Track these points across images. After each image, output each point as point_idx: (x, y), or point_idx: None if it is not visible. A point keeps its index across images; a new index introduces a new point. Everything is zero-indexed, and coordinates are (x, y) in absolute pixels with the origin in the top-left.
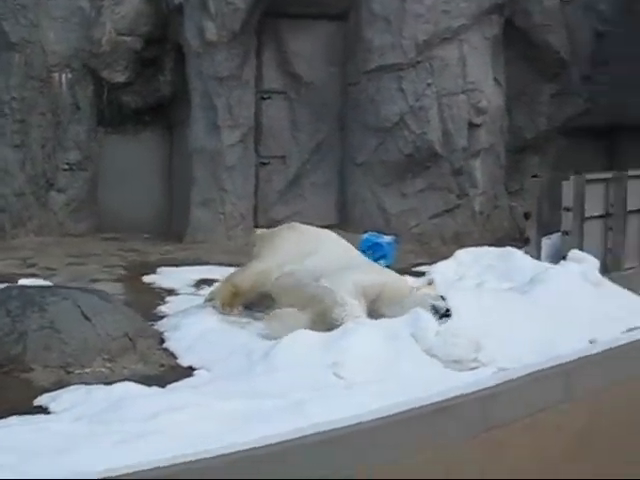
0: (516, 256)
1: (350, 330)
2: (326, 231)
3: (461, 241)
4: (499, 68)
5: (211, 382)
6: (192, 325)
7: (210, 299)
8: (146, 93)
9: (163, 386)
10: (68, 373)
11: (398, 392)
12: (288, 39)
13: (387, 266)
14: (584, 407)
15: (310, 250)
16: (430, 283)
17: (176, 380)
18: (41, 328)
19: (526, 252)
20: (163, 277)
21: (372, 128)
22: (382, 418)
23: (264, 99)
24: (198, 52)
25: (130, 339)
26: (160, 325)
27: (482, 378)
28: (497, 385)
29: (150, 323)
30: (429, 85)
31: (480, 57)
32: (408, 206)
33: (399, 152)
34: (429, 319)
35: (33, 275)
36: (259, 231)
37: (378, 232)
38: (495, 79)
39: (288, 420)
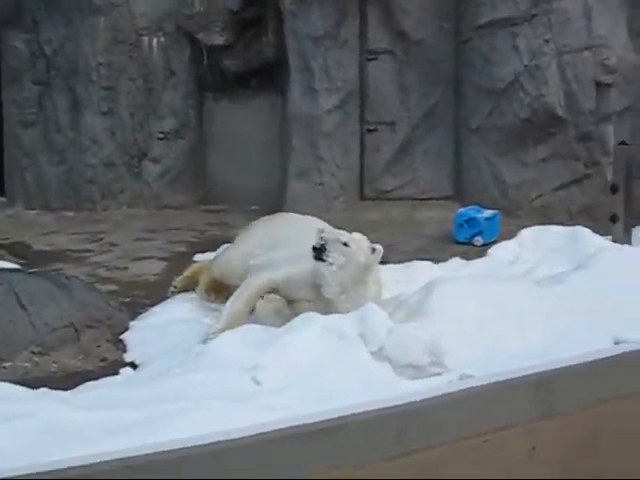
0: (584, 236)
1: (294, 326)
2: (311, 220)
3: (592, 215)
4: (635, 20)
5: (120, 384)
6: (160, 314)
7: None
8: (248, 56)
9: (66, 388)
10: None
11: (313, 403)
12: None
13: (484, 244)
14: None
15: (279, 240)
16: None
17: (96, 378)
18: None
19: (614, 233)
20: None
21: (485, 90)
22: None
23: (369, 60)
24: (292, 10)
25: (76, 330)
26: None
27: (418, 390)
28: (429, 399)
29: (139, 311)
30: (547, 42)
31: (609, 7)
32: (528, 176)
33: (515, 116)
34: (381, 315)
35: (87, 251)
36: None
37: (483, 206)
38: (629, 32)
39: (134, 437)
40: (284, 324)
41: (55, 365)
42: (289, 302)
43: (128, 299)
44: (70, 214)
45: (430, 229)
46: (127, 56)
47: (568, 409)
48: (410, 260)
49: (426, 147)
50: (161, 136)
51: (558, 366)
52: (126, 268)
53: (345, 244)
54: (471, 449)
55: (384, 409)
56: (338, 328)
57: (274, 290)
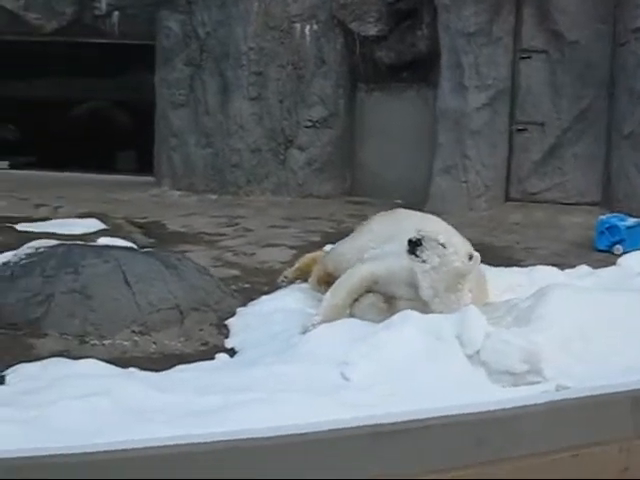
0: None
1: (392, 323)
2: (430, 218)
3: None
4: None
5: (210, 370)
6: (269, 302)
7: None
8: (402, 48)
9: (157, 370)
10: (82, 343)
11: (399, 403)
12: None
13: (624, 252)
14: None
15: (394, 235)
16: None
17: (191, 362)
18: (70, 291)
19: None
20: None
21: (638, 95)
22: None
23: (522, 59)
24: (446, 5)
25: (180, 312)
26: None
27: (507, 397)
28: (513, 408)
29: (253, 297)
30: None
31: None
32: None
33: None
34: (479, 318)
35: (220, 234)
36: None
37: (628, 214)
38: None
39: (204, 424)
40: (383, 320)
41: (154, 346)
42: (389, 299)
43: (247, 285)
44: (214, 197)
45: (572, 234)
46: (278, 42)
47: None
48: (544, 264)
49: (576, 151)
50: (309, 124)
51: None
52: (253, 254)
53: (442, 245)
54: (554, 464)
55: (464, 415)
56: (436, 328)
57: (375, 283)
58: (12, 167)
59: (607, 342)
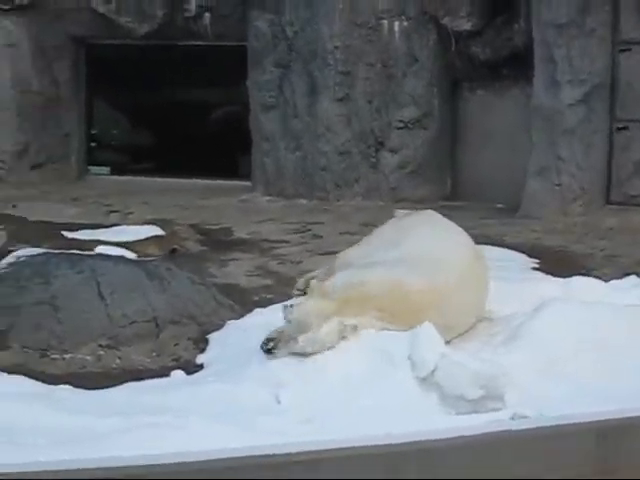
0: None
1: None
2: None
3: None
4: None
5: (148, 388)
6: (258, 315)
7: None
8: (497, 43)
9: (99, 387)
10: (42, 357)
11: (323, 431)
12: None
13: None
14: None
15: (398, 240)
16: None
17: (145, 378)
18: (38, 303)
19: None
20: None
21: None
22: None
23: (622, 51)
24: None
25: (157, 325)
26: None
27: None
28: (433, 440)
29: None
30: None
31: None
32: None
33: None
34: (434, 337)
35: (282, 241)
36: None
37: None
38: None
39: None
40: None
41: (118, 361)
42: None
43: (270, 295)
44: (303, 202)
45: None
46: (365, 40)
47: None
48: (624, 274)
49: None
50: (400, 125)
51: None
52: (300, 262)
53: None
54: None
55: (374, 447)
56: (388, 348)
57: None
58: (113, 172)
59: (595, 366)
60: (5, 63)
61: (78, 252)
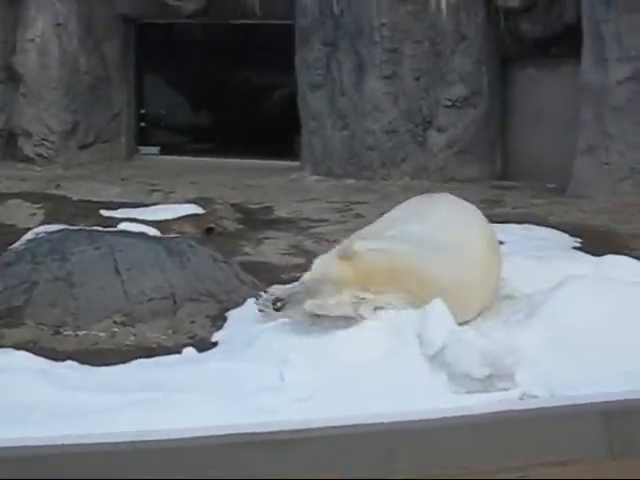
0: None
1: (350, 321)
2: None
3: None
4: None
5: (153, 365)
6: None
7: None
8: (548, 21)
9: (108, 364)
10: (55, 334)
11: (323, 410)
12: None
13: None
14: None
15: (419, 217)
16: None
17: (156, 355)
18: (54, 279)
19: None
20: None
21: None
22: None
23: None
24: None
25: (174, 302)
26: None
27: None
28: (432, 420)
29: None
30: None
31: None
32: None
33: None
34: (443, 314)
35: (322, 220)
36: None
37: None
38: None
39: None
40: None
41: (133, 338)
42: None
43: (299, 274)
44: (350, 182)
45: None
46: (412, 17)
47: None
48: None
49: None
50: (449, 104)
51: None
52: (335, 241)
53: None
54: None
55: (372, 425)
56: (397, 326)
57: None
58: (164, 153)
59: (613, 344)
60: (53, 43)
61: (98, 229)
